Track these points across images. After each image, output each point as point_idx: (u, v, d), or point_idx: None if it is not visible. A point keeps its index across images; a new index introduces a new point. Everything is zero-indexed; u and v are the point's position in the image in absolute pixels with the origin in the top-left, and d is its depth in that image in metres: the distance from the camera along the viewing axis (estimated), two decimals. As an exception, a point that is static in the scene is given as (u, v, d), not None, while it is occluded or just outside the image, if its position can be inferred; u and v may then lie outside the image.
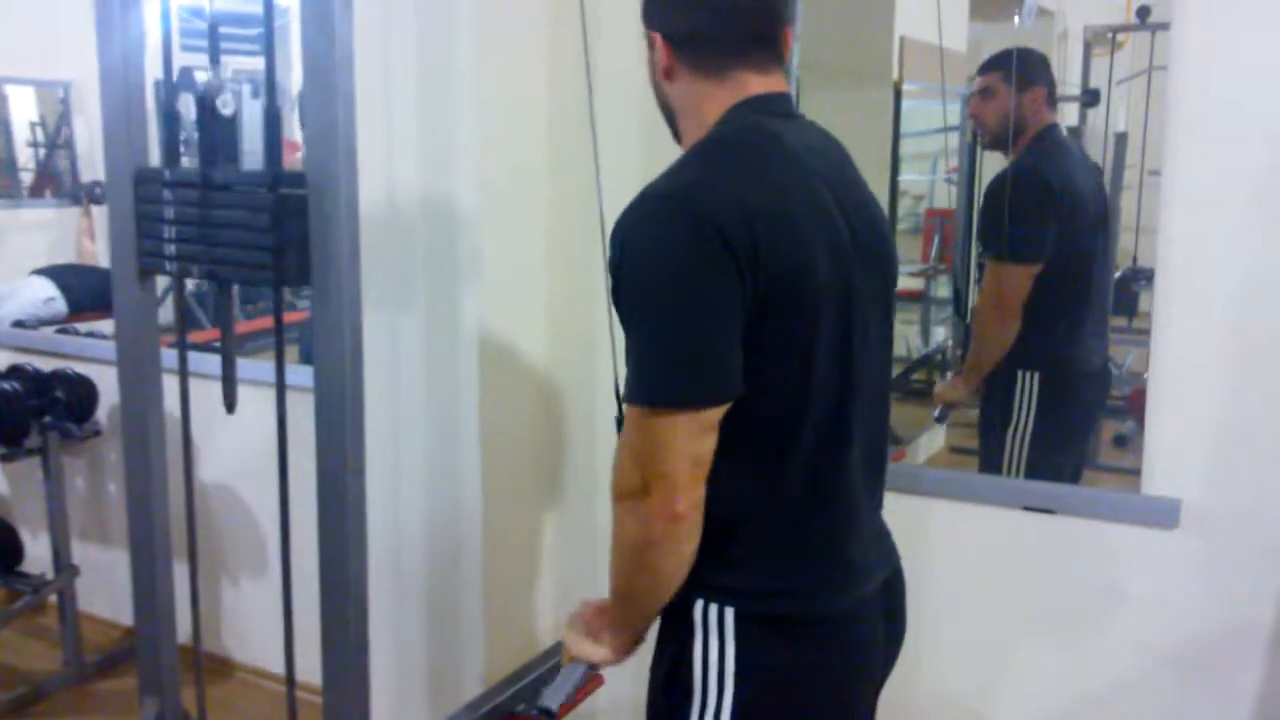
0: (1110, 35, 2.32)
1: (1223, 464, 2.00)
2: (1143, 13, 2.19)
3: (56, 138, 4.36)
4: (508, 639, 2.66)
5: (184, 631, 2.19)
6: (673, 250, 1.23)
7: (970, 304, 2.60)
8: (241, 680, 3.31)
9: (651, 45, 1.42)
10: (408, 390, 2.56)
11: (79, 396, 3.29)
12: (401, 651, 2.73)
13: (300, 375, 2.00)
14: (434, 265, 2.50)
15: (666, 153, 1.38)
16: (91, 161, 4.29)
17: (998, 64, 2.36)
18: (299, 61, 1.78)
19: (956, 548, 2.28)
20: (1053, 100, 2.34)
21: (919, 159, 2.69)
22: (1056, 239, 2.33)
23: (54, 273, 3.93)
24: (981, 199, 2.45)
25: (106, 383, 3.27)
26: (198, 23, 3.05)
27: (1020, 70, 2.33)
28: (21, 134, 4.39)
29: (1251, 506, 2.00)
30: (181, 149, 1.99)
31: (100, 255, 4.10)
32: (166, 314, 2.34)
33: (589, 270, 1.75)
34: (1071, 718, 2.22)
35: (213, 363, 2.08)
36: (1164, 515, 2.05)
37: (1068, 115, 2.37)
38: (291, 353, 2.66)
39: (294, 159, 2.29)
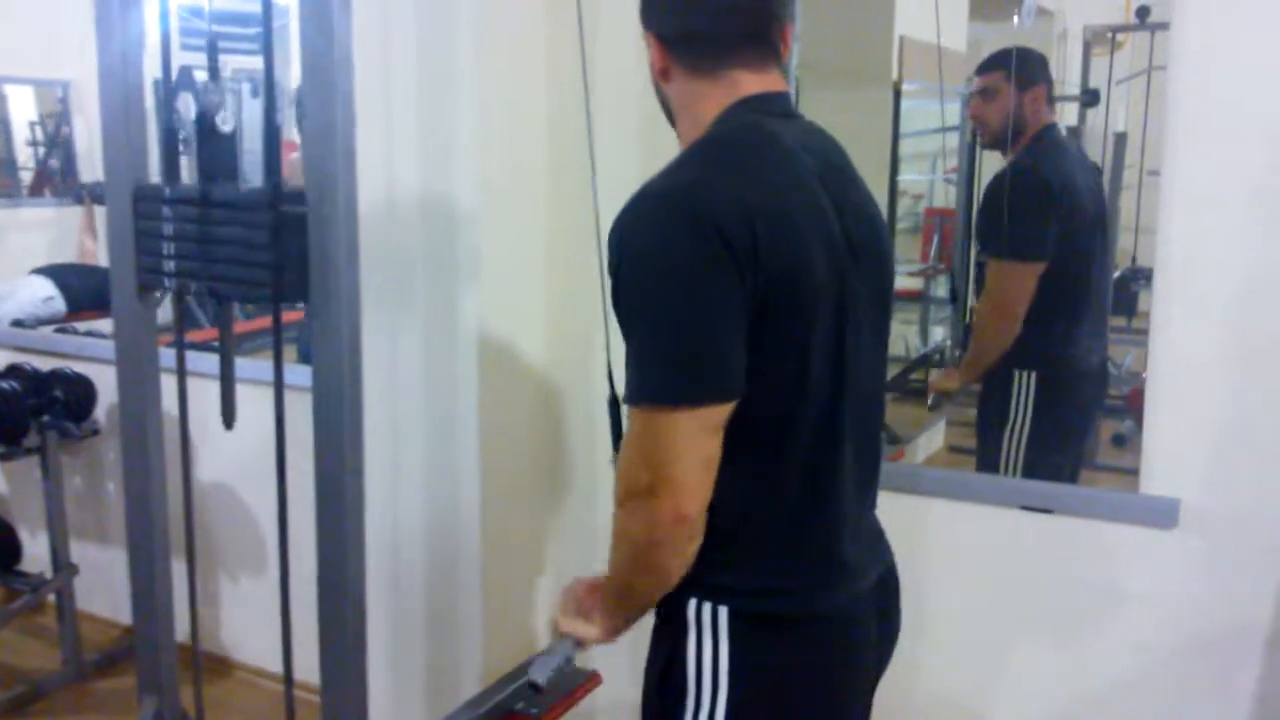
0: (1110, 35, 2.32)
1: (1222, 464, 2.00)
2: (1142, 12, 2.19)
3: (55, 137, 4.36)
4: (506, 638, 2.66)
5: (182, 630, 2.19)
6: (673, 248, 1.23)
7: (969, 304, 2.60)
8: (240, 679, 3.31)
9: (650, 46, 1.43)
10: (406, 390, 2.56)
11: (77, 396, 3.29)
12: (400, 650, 2.73)
13: (299, 375, 2.00)
14: (433, 265, 2.49)
15: (665, 153, 1.37)
16: (91, 161, 4.29)
17: (997, 64, 2.36)
18: (298, 61, 1.78)
19: (955, 547, 2.28)
20: (1051, 100, 2.34)
21: (918, 158, 2.69)
22: (1056, 239, 2.33)
23: (53, 272, 3.93)
24: (980, 199, 2.45)
25: (105, 382, 3.28)
26: (197, 22, 3.05)
27: (1020, 70, 2.33)
28: (21, 133, 4.39)
29: (1250, 506, 2.00)
30: (180, 148, 1.99)
31: (100, 254, 4.09)
32: (165, 313, 2.34)
33: (588, 270, 1.75)
34: (1070, 717, 2.22)
35: (211, 362, 2.08)
36: (1163, 515, 2.05)
37: (1067, 115, 2.37)
38: (290, 352, 2.66)
39: (290, 159, 2.29)
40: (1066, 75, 2.35)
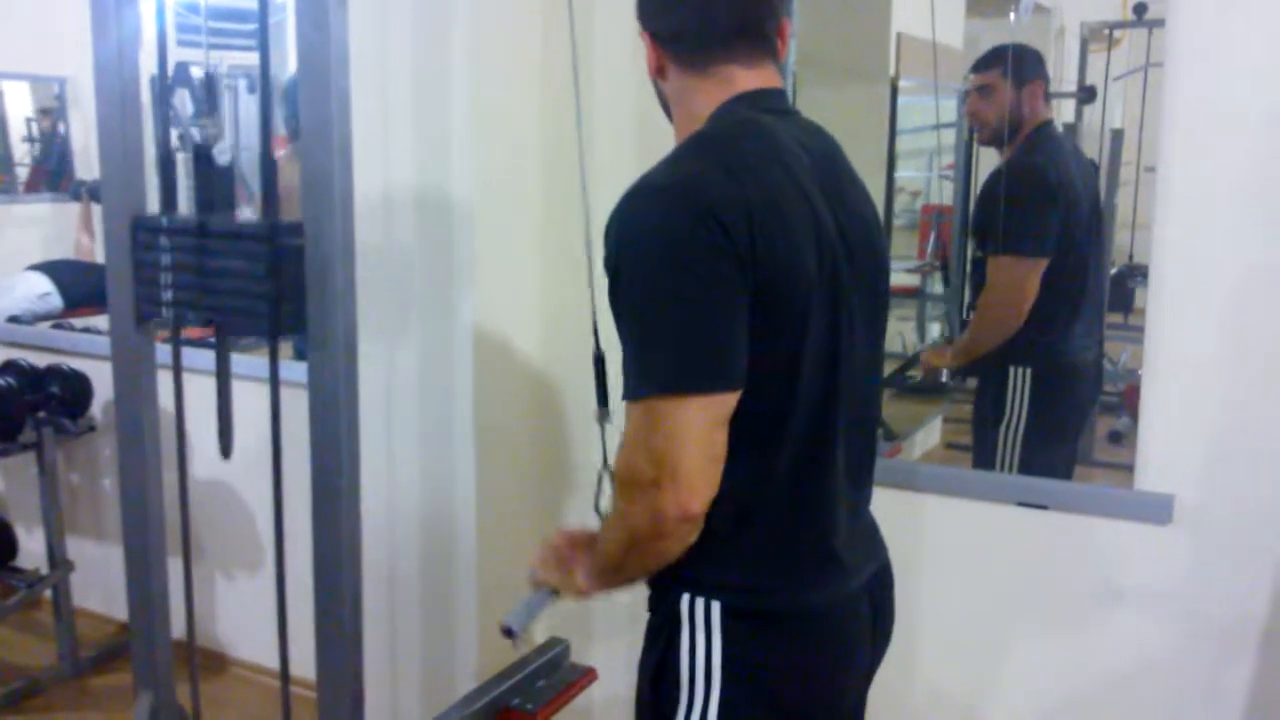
0: (1107, 32, 2.32)
1: (1217, 460, 2.01)
2: (1139, 9, 2.19)
3: (52, 134, 4.35)
4: (501, 635, 2.65)
5: (178, 627, 2.19)
6: (674, 239, 1.23)
7: (966, 300, 2.60)
8: (236, 675, 3.31)
9: (646, 44, 1.44)
10: (402, 388, 2.56)
11: (74, 392, 3.29)
12: (396, 646, 2.74)
13: (294, 370, 2.00)
14: (429, 263, 2.49)
15: (660, 150, 1.38)
16: (87, 157, 4.28)
17: (994, 60, 2.36)
18: (294, 57, 1.77)
19: (950, 543, 2.28)
20: (1048, 97, 2.34)
21: (916, 155, 2.69)
22: (1055, 235, 2.33)
23: (49, 268, 3.92)
24: (977, 196, 2.46)
25: (101, 378, 3.27)
26: (193, 18, 3.05)
27: (1017, 67, 2.33)
28: (18, 129, 4.39)
29: (1245, 502, 2.00)
30: (177, 143, 1.99)
31: (97, 250, 4.09)
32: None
33: (584, 268, 1.75)
34: (1065, 712, 2.23)
35: (206, 358, 2.08)
36: (1157, 511, 2.06)
37: (1064, 112, 2.37)
38: (285, 348, 2.66)
39: (280, 155, 2.30)
40: (1063, 72, 2.35)
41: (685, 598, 1.37)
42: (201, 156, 1.90)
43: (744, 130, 1.34)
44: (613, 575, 1.42)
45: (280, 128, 2.67)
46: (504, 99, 2.49)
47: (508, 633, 1.61)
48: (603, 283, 1.31)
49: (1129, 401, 2.12)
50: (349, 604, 1.87)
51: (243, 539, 3.14)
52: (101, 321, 3.60)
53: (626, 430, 1.27)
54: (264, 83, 1.91)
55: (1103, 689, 2.18)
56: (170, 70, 1.96)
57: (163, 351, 2.07)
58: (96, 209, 4.11)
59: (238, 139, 3.66)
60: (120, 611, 3.49)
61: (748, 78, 1.39)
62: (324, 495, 1.85)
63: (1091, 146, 2.33)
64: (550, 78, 2.53)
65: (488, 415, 2.51)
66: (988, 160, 2.41)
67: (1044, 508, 2.18)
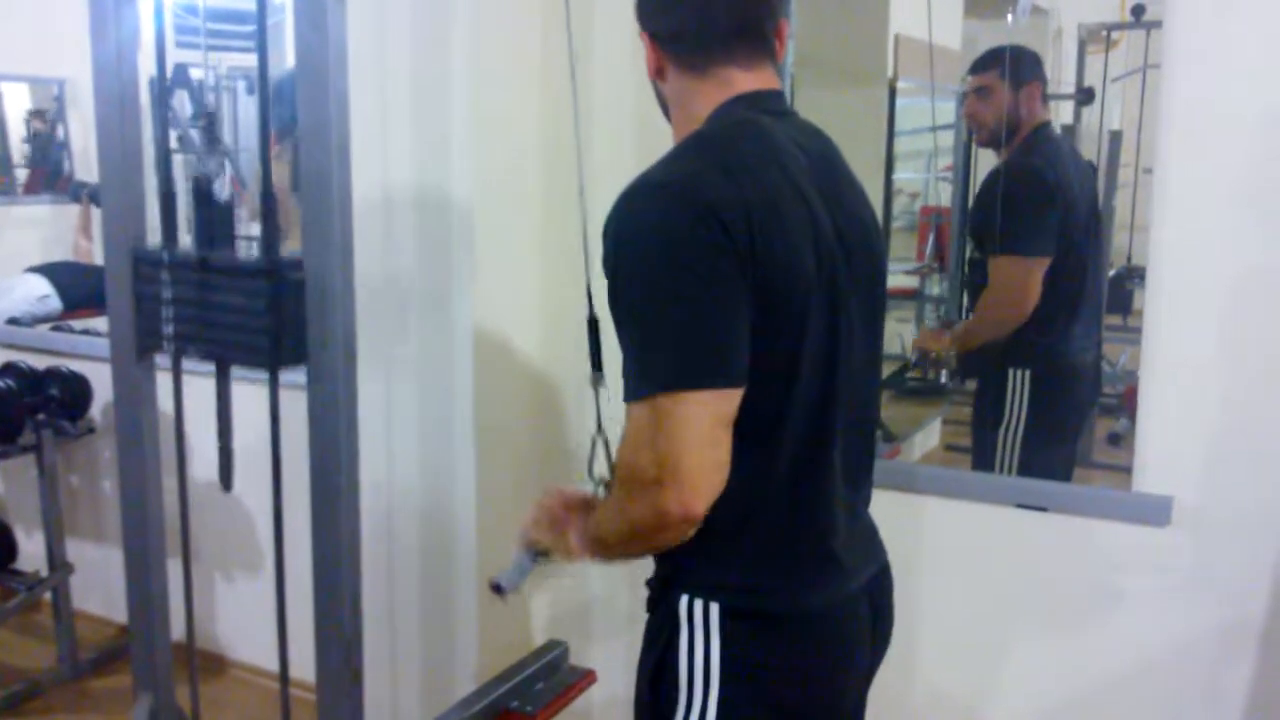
0: (1105, 33, 2.32)
1: (1215, 462, 2.01)
2: (1137, 11, 2.19)
3: (51, 134, 4.35)
4: (501, 636, 2.66)
5: (178, 629, 2.19)
6: (673, 237, 1.23)
7: (964, 302, 2.61)
8: (235, 677, 3.31)
9: (645, 45, 1.44)
10: (402, 388, 2.56)
11: (73, 394, 3.29)
12: (395, 648, 2.73)
13: (294, 372, 2.00)
14: (428, 263, 2.49)
15: (658, 150, 1.38)
16: (86, 158, 4.28)
17: (992, 62, 2.36)
18: (293, 57, 1.78)
19: (950, 545, 2.28)
20: (1046, 98, 2.34)
21: (914, 157, 2.69)
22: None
23: (49, 270, 3.92)
24: (975, 197, 2.46)
25: (101, 380, 3.27)
26: (192, 19, 3.05)
27: (1015, 68, 2.33)
28: (17, 131, 4.38)
29: (1243, 504, 2.00)
30: (176, 145, 1.99)
31: (95, 252, 4.09)
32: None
33: (583, 268, 1.75)
34: (1065, 713, 2.23)
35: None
36: (1156, 512, 2.06)
37: (1062, 113, 2.37)
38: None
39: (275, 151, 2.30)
40: (1061, 74, 2.35)
41: (684, 599, 1.37)
42: (201, 192, 1.91)
43: (742, 131, 1.34)
44: (605, 551, 1.42)
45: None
46: (503, 99, 2.49)
47: (497, 589, 1.62)
48: (596, 248, 1.31)
49: (1128, 403, 2.12)
50: (348, 606, 1.87)
51: (242, 541, 3.14)
52: (101, 323, 3.60)
53: (627, 430, 1.26)
54: (262, 85, 1.91)
55: (1102, 690, 2.18)
56: (169, 71, 1.96)
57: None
58: (95, 211, 4.12)
59: (236, 141, 3.66)
60: (120, 613, 3.49)
61: (746, 79, 1.39)
62: (323, 497, 1.85)
63: (1090, 148, 2.33)
64: (550, 78, 2.53)
65: (488, 415, 2.51)
66: (986, 162, 2.41)
67: (1043, 509, 2.18)
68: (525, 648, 2.62)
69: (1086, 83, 2.34)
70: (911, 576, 2.21)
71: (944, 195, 2.66)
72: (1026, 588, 2.23)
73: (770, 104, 1.40)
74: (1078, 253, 2.32)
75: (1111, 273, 2.31)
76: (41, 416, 3.19)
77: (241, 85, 3.58)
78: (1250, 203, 1.92)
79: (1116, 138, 2.29)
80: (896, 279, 2.58)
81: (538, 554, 1.60)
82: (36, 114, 4.34)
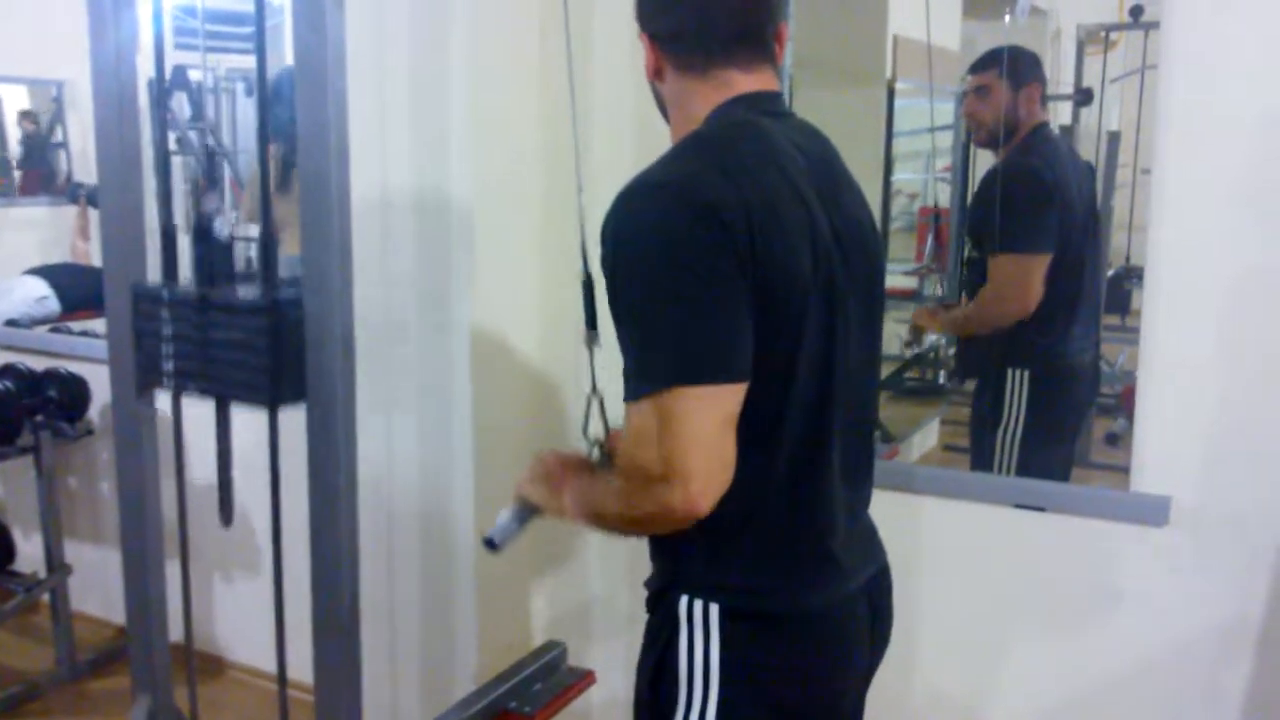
0: (1103, 34, 2.32)
1: (1213, 461, 2.01)
2: (1135, 11, 2.19)
3: (50, 136, 4.35)
4: (500, 637, 2.66)
5: (176, 630, 2.19)
6: (672, 237, 1.23)
7: (964, 300, 2.60)
8: (233, 678, 3.31)
9: (644, 46, 1.44)
10: (401, 389, 2.56)
11: (72, 395, 3.29)
12: (394, 649, 2.73)
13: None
14: (427, 264, 2.49)
15: (659, 152, 1.38)
16: (85, 159, 4.28)
17: (991, 62, 2.36)
18: (291, 59, 1.78)
19: (948, 545, 2.29)
20: (1045, 99, 2.34)
21: (913, 157, 2.69)
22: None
23: (47, 272, 3.92)
24: (973, 197, 2.46)
25: (99, 382, 3.27)
26: (190, 21, 3.05)
27: (1015, 68, 2.33)
28: (15, 133, 4.38)
29: (1241, 504, 2.00)
30: (175, 147, 2.00)
31: (93, 254, 4.09)
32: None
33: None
34: (1064, 713, 2.23)
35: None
36: (1154, 512, 2.06)
37: (1061, 114, 2.37)
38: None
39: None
40: (1060, 74, 2.35)
41: (684, 599, 1.37)
42: (201, 230, 1.92)
43: (740, 132, 1.34)
44: (600, 525, 1.42)
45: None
46: (502, 100, 2.49)
47: (490, 544, 1.61)
48: (592, 214, 1.30)
49: (1126, 403, 2.13)
50: (347, 607, 1.87)
51: (240, 542, 3.14)
52: (99, 325, 3.60)
53: (629, 427, 1.25)
54: (261, 88, 1.91)
55: (1101, 690, 2.18)
56: (168, 73, 1.96)
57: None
58: (94, 215, 4.11)
59: (235, 142, 3.66)
60: (118, 615, 3.49)
61: (745, 81, 1.39)
62: (322, 497, 1.85)
63: (1088, 149, 2.33)
64: (549, 79, 2.53)
65: (487, 415, 2.51)
66: (985, 162, 2.41)
67: (1041, 510, 2.18)
68: (524, 648, 2.62)
69: (1085, 83, 2.34)
70: (910, 577, 2.21)
71: (943, 196, 2.66)
72: (1025, 588, 2.23)
73: (769, 105, 1.40)
74: (1076, 253, 2.32)
75: (1110, 273, 2.31)
76: (40, 418, 3.19)
77: (240, 87, 3.58)
78: (1248, 203, 1.93)
79: (1115, 138, 2.30)
80: (895, 279, 2.58)
81: (531, 511, 1.60)
82: (26, 115, 4.33)
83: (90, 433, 3.36)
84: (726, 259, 1.22)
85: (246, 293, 1.86)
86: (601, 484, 1.38)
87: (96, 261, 3.95)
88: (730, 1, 1.37)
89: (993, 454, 2.38)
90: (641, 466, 1.23)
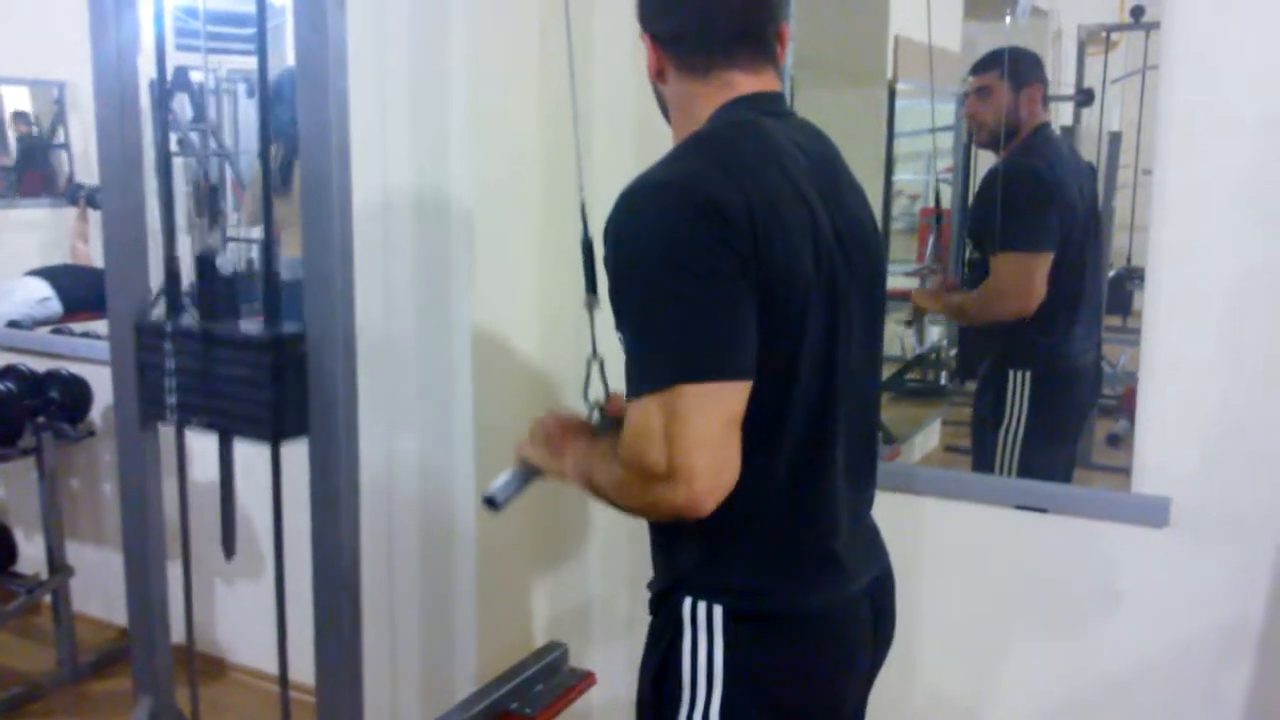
0: (1104, 34, 2.32)
1: (1213, 463, 2.01)
2: (1136, 12, 2.19)
3: (51, 137, 4.35)
4: (501, 638, 2.66)
5: (178, 632, 2.19)
6: (674, 236, 1.23)
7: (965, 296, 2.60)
8: (235, 680, 3.31)
9: (646, 47, 1.45)
10: (401, 390, 2.56)
11: (73, 397, 3.29)
12: (395, 650, 2.73)
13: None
14: (427, 265, 2.50)
15: (660, 152, 1.38)
16: (86, 161, 4.28)
17: (993, 63, 2.36)
18: (293, 60, 1.78)
19: (949, 546, 2.28)
20: (1046, 99, 2.34)
21: (914, 158, 2.69)
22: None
23: (49, 273, 3.93)
24: (974, 197, 2.46)
25: (101, 384, 3.27)
26: (192, 22, 3.05)
27: (1016, 69, 2.33)
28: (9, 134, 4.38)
29: (1241, 505, 2.00)
30: (176, 149, 2.00)
31: (94, 257, 4.09)
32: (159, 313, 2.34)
33: (582, 270, 1.76)
34: (1064, 714, 2.23)
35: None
36: (1154, 514, 2.06)
37: (1062, 114, 2.37)
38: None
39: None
40: (1061, 74, 2.35)
41: (687, 601, 1.37)
42: (204, 266, 1.94)
43: (742, 131, 1.34)
44: (597, 497, 1.41)
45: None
46: (503, 101, 2.49)
47: (490, 503, 1.62)
48: (590, 172, 1.30)
49: (1127, 404, 2.12)
50: (348, 608, 1.87)
51: (242, 543, 3.13)
52: (101, 326, 3.60)
53: (631, 423, 1.25)
54: (262, 89, 1.91)
55: (1102, 691, 2.18)
56: (169, 74, 1.96)
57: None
58: (94, 216, 4.12)
59: (236, 144, 3.66)
60: (120, 616, 3.49)
61: (747, 81, 1.39)
62: (323, 499, 1.85)
63: (1089, 149, 2.33)
64: (549, 79, 2.53)
65: (487, 416, 2.51)
66: (985, 163, 2.41)
67: (1043, 511, 2.18)
68: (525, 649, 2.62)
69: (1086, 84, 2.34)
70: (911, 578, 2.21)
71: (944, 197, 2.66)
72: (1026, 589, 2.23)
73: (771, 105, 1.41)
74: (1077, 253, 2.32)
75: (1111, 273, 2.31)
76: (42, 419, 3.19)
77: (241, 88, 3.58)
78: (1249, 204, 1.93)
79: (1116, 139, 2.29)
80: (896, 280, 2.58)
81: (532, 472, 1.60)
82: (20, 117, 4.32)
83: (92, 434, 3.36)
84: (729, 258, 1.22)
85: (249, 327, 1.89)
86: (604, 465, 1.37)
87: (97, 264, 3.95)
88: (732, 2, 1.37)
89: (994, 455, 2.38)
90: (646, 464, 1.23)
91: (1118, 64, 2.28)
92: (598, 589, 2.71)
